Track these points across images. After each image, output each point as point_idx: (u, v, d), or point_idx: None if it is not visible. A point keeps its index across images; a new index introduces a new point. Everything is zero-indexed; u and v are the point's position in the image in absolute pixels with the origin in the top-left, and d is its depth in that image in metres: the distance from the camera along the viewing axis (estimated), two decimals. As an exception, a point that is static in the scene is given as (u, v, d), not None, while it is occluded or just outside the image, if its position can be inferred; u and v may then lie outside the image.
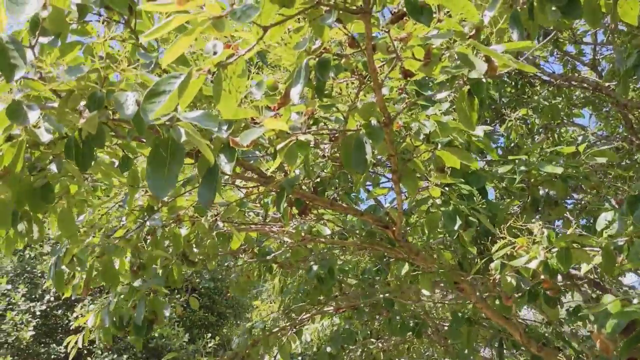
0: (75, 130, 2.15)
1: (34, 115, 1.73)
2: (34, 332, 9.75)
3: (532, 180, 3.56)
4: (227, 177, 2.94)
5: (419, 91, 2.63)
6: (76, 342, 4.07)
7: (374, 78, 1.88)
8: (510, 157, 3.37)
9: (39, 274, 10.82)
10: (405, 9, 1.80)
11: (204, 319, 12.05)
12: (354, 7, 1.59)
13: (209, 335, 10.95)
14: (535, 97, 6.01)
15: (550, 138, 6.55)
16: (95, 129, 1.67)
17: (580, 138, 7.36)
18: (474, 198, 3.00)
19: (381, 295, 3.82)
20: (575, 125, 7.01)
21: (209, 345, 10.78)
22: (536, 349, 3.31)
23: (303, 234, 3.31)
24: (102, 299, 3.92)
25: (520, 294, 3.03)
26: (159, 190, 1.59)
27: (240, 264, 5.56)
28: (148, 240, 2.96)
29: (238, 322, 12.63)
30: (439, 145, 2.44)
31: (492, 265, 2.77)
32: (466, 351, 3.57)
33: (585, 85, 6.06)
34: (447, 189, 2.80)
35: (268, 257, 4.32)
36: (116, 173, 2.78)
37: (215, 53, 1.48)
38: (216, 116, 1.66)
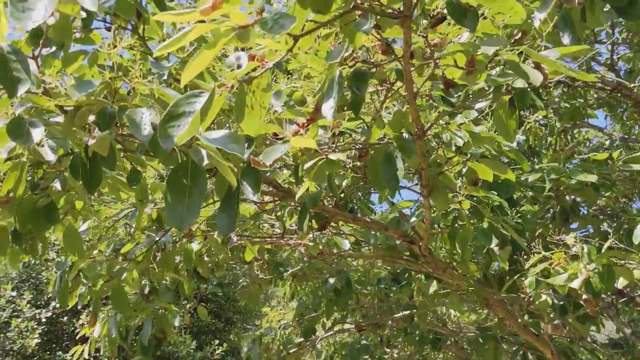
0: (82, 147, 1.99)
1: (37, 134, 1.57)
2: (39, 340, 9.58)
3: (562, 188, 3.39)
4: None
5: (445, 98, 2.46)
6: (82, 352, 3.93)
7: (409, 87, 1.71)
8: (539, 165, 3.19)
9: (45, 281, 10.66)
10: (446, 12, 1.63)
11: (212, 325, 11.87)
12: (393, 11, 1.41)
13: (217, 341, 10.78)
14: (549, 98, 5.82)
15: (563, 139, 6.38)
16: (106, 150, 1.50)
17: (595, 140, 7.20)
18: (505, 209, 2.82)
19: (402, 312, 3.65)
20: (591, 126, 6.83)
21: (217, 352, 10.62)
22: (568, 367, 3.14)
23: (321, 247, 3.14)
24: (109, 309, 3.77)
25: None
26: (179, 221, 1.41)
27: (249, 272, 5.40)
28: (158, 257, 2.79)
29: (246, 327, 12.45)
30: (470, 157, 2.26)
31: (527, 282, 2.60)
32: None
33: (602, 85, 5.87)
34: (475, 200, 2.62)
35: (282, 269, 4.17)
36: (124, 187, 2.62)
37: (239, 66, 1.30)
38: (241, 137, 1.49)
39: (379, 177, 2.06)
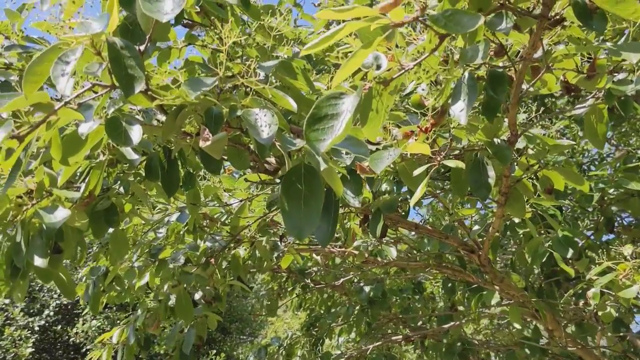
0: (160, 150, 1.90)
1: (136, 135, 1.47)
2: (32, 349, 9.36)
3: (605, 198, 3.34)
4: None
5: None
6: (99, 358, 3.78)
7: (516, 92, 1.65)
8: (590, 173, 3.15)
9: (37, 288, 10.43)
10: (564, 13, 1.57)
11: (209, 334, 11.72)
12: (530, 12, 1.35)
13: (214, 351, 10.63)
14: (571, 107, 5.81)
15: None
16: (220, 153, 1.41)
17: (594, 151, 7.22)
18: (563, 221, 2.77)
19: (452, 323, 3.57)
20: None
21: (215, 361, 10.49)
22: (617, 380, 3.08)
23: (366, 255, 3.06)
24: (127, 315, 3.65)
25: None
26: (298, 231, 1.32)
27: (265, 281, 5.32)
28: (212, 263, 2.68)
29: (242, 337, 12.30)
30: (549, 165, 2.20)
31: (590, 293, 2.54)
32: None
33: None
34: (539, 211, 2.57)
35: (331, 284, 4.08)
36: (177, 191, 2.53)
37: (379, 67, 1.23)
38: (363, 141, 1.41)
39: (464, 184, 1.99)
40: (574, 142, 2.26)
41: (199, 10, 1.89)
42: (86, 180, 1.72)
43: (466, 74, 1.39)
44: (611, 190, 3.26)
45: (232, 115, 1.43)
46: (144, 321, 3.34)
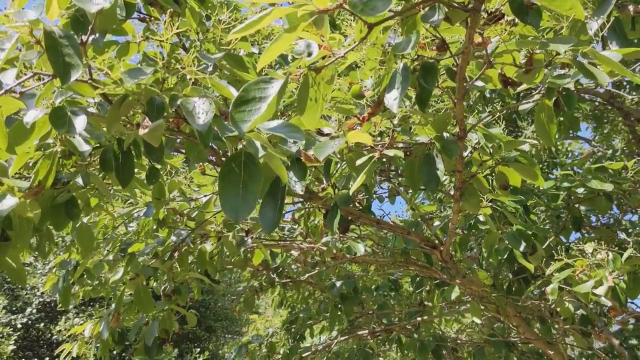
0: (114, 141, 1.92)
1: (80, 123, 1.49)
2: (15, 346, 9.31)
3: (572, 197, 3.39)
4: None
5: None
6: (70, 352, 3.77)
7: (460, 86, 1.68)
8: (555, 173, 3.19)
9: (20, 286, 10.39)
10: (503, 10, 1.61)
11: (192, 333, 11.72)
12: (462, 5, 1.38)
13: (198, 350, 10.63)
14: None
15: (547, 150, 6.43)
16: (158, 140, 1.43)
17: (577, 152, 7.30)
18: (521, 216, 2.81)
19: (419, 319, 3.61)
20: (577, 138, 6.92)
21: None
22: (581, 376, 3.12)
23: (335, 251, 3.09)
24: (98, 310, 3.65)
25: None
26: (235, 212, 1.35)
27: (245, 279, 5.33)
28: (175, 257, 2.71)
29: (227, 335, 12.31)
30: (505, 161, 2.24)
31: (549, 289, 2.57)
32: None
33: (591, 97, 5.93)
34: (497, 206, 2.60)
35: (277, 275, 4.11)
36: (142, 185, 2.55)
37: (309, 54, 1.26)
38: (300, 127, 1.44)
39: (416, 177, 2.02)
40: (531, 141, 2.29)
41: (153, 2, 1.92)
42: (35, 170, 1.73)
43: (401, 65, 1.42)
44: (580, 190, 3.30)
45: (172, 104, 1.45)
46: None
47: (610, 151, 4.55)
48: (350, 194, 1.67)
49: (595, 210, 3.46)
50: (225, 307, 11.86)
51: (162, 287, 2.75)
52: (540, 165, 5.64)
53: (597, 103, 6.05)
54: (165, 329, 2.98)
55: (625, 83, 5.64)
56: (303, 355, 3.94)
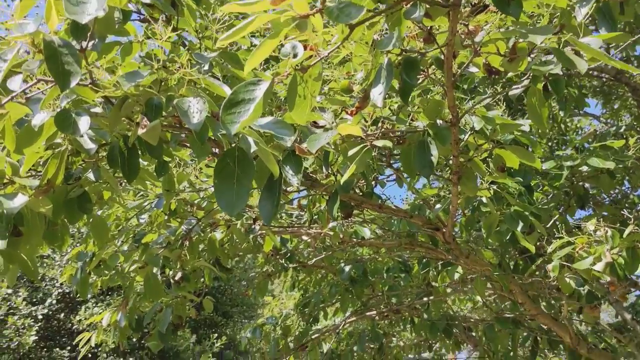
0: (120, 138, 2.00)
1: (84, 124, 1.58)
2: (36, 337, 9.56)
3: (576, 175, 3.42)
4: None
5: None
6: (89, 340, 3.91)
7: (449, 75, 1.73)
8: (557, 152, 3.22)
9: (39, 277, 10.63)
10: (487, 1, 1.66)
11: (210, 318, 11.93)
12: (442, 0, 1.43)
13: (215, 335, 10.82)
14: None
15: (556, 128, 6.42)
16: (156, 139, 1.52)
17: (587, 128, 7.26)
18: (523, 197, 2.86)
19: (426, 299, 3.69)
20: (586, 115, 6.90)
21: (216, 345, 10.67)
22: (586, 351, 3.18)
23: (341, 235, 3.16)
24: (115, 299, 3.77)
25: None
26: (229, 207, 1.44)
27: (259, 264, 5.43)
28: (186, 245, 2.81)
29: (244, 320, 12.52)
30: (501, 144, 2.29)
31: (550, 266, 2.63)
32: (512, 353, 3.44)
33: (598, 73, 5.90)
34: (496, 188, 2.65)
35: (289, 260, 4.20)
36: (152, 178, 2.64)
37: (295, 55, 1.32)
38: (289, 123, 1.51)
39: (412, 164, 2.08)
40: (527, 122, 2.33)
41: (151, 5, 1.99)
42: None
43: (385, 60, 1.48)
44: (584, 168, 3.34)
45: (168, 104, 1.53)
46: (134, 303, 3.47)
47: (614, 128, 4.53)
48: (342, 183, 1.74)
49: (598, 188, 3.49)
50: (241, 293, 12.06)
51: (172, 275, 2.85)
52: (549, 143, 5.67)
53: (604, 79, 6.02)
54: (178, 315, 3.09)
55: (633, 58, 5.59)
56: (314, 336, 4.04)
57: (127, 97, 1.58)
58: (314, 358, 4.30)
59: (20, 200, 1.67)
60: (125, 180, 2.96)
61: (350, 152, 1.66)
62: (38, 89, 1.58)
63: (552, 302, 3.13)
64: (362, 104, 1.59)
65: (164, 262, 2.67)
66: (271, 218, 1.68)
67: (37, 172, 2.11)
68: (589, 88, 6.52)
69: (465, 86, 3.42)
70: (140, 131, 1.48)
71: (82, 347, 3.88)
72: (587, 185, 3.56)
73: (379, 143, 1.58)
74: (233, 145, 1.53)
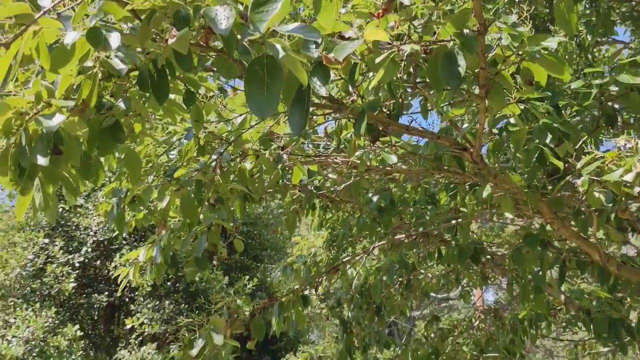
0: (149, 61, 2.03)
1: (115, 40, 1.61)
2: (75, 284, 9.93)
3: (605, 95, 3.36)
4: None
5: None
6: (127, 274, 4.01)
7: (475, -21, 1.71)
8: (586, 70, 3.17)
9: (74, 227, 10.94)
10: None
11: (240, 262, 12.21)
12: None
13: (247, 277, 11.09)
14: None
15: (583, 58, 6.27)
16: (186, 48, 1.54)
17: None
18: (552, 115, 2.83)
19: (454, 222, 3.73)
20: (615, 42, 6.71)
21: (248, 287, 10.94)
22: (616, 268, 3.20)
23: (368, 163, 3.19)
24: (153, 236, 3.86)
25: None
26: (260, 111, 1.48)
27: (287, 203, 5.50)
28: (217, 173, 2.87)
29: (273, 265, 12.79)
30: (528, 55, 2.26)
31: (579, 181, 2.63)
32: (540, 274, 3.48)
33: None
34: (525, 106, 2.64)
35: (320, 192, 4.25)
36: (179, 109, 2.68)
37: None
38: (317, 28, 1.51)
39: (438, 76, 2.08)
40: (557, 38, 2.29)
41: None
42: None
43: (411, -42, 1.47)
44: (613, 87, 3.28)
45: (196, 14, 1.55)
46: (168, 240, 3.57)
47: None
48: (370, 88, 1.75)
49: (628, 107, 3.43)
50: (270, 234, 12.27)
51: (207, 198, 2.93)
52: (577, 74, 5.56)
53: (633, 2, 5.84)
54: (213, 242, 3.19)
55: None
56: (345, 260, 4.14)
57: (155, 10, 1.60)
58: (344, 281, 4.40)
59: (59, 119, 1.73)
60: (155, 115, 3.02)
61: (378, 60, 1.67)
62: (65, 5, 1.60)
63: (580, 220, 3.13)
64: (388, 6, 1.59)
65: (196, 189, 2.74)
66: (301, 129, 1.70)
67: (71, 98, 2.16)
68: (618, 14, 6.33)
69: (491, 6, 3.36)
70: (170, 41, 1.51)
71: (120, 280, 4.01)
72: (616, 105, 3.50)
73: (407, 47, 1.58)
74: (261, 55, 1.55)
